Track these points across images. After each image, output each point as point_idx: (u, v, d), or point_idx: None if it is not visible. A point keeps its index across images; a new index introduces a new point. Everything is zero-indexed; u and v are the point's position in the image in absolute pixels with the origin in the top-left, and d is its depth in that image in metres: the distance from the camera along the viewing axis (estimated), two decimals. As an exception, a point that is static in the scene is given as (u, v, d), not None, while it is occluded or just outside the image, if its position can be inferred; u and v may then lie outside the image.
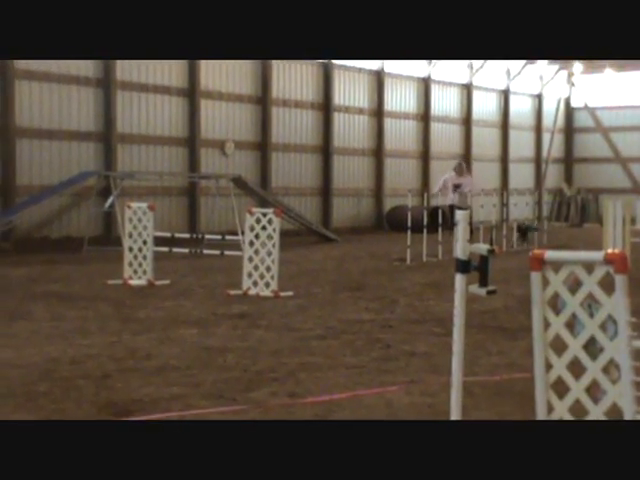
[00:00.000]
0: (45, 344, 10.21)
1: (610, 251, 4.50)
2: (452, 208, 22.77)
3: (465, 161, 31.59)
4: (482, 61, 37.04)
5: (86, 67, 24.33)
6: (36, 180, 23.06)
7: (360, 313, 12.96)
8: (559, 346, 4.65)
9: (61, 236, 23.52)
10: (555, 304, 4.69)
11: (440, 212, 23.23)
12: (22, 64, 22.71)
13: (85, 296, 14.41)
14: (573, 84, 42.80)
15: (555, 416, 4.65)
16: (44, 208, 23.03)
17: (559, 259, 4.69)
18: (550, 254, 4.65)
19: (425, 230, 20.80)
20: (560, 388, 4.69)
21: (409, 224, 20.41)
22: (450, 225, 21.02)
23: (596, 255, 4.53)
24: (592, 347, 4.50)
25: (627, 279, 4.47)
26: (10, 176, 22.47)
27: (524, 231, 26.66)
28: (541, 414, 4.69)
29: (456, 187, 24.00)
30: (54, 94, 23.78)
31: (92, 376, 8.60)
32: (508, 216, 28.11)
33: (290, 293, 14.45)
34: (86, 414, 7.18)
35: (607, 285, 4.50)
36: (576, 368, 4.65)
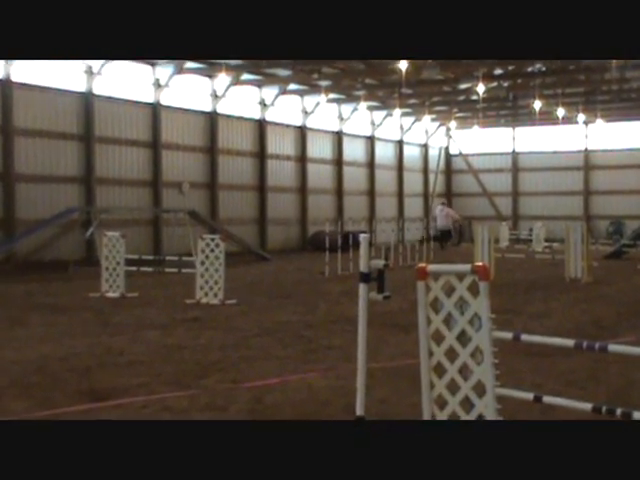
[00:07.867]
0: (39, 345, 9.82)
1: (477, 264, 4.46)
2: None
3: None
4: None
5: (71, 125, 23.78)
6: (32, 215, 22.47)
7: (289, 315, 12.66)
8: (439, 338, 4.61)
9: (52, 259, 22.87)
10: (436, 306, 4.65)
11: (351, 236, 21.90)
12: (21, 123, 22.01)
13: (71, 306, 13.93)
14: (450, 136, 43.34)
15: (436, 391, 4.65)
16: (38, 237, 22.37)
17: (438, 271, 4.66)
18: (430, 267, 4.65)
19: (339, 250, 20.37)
20: (440, 370, 4.65)
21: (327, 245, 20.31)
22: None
23: (465, 267, 4.49)
24: (463, 337, 4.50)
25: (488, 285, 4.41)
26: (11, 212, 21.87)
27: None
28: (425, 390, 4.68)
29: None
30: (45, 147, 23.19)
31: (76, 369, 8.32)
32: (403, 238, 28.32)
33: (234, 301, 14.09)
34: (71, 401, 6.89)
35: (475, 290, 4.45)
36: (451, 354, 4.60)
